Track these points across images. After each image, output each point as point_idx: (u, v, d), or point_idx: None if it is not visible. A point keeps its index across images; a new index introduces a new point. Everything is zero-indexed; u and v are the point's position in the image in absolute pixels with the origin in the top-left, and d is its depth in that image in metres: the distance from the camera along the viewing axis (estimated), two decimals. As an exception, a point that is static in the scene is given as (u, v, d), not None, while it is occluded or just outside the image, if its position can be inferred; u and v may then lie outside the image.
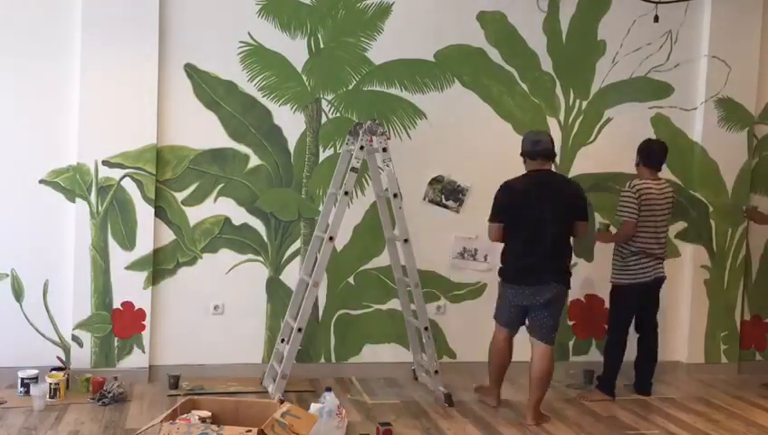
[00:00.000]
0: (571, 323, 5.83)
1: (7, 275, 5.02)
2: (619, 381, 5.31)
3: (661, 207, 5.19)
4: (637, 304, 5.27)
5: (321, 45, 5.38)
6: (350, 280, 5.51)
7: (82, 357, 5.06)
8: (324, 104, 5.40)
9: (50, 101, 5.01)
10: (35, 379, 4.73)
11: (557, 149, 5.70)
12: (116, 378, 4.85)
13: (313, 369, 5.43)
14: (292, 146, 5.37)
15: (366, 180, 5.43)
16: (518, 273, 4.72)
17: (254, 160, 5.32)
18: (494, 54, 5.61)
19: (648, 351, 5.37)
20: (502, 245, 4.86)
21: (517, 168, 5.65)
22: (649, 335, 5.37)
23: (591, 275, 5.84)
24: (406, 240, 4.95)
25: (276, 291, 5.40)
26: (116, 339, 5.11)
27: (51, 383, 4.67)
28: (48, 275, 5.06)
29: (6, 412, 4.47)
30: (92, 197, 5.03)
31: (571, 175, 5.77)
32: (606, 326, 5.44)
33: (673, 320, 5.89)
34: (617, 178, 5.80)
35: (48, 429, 4.24)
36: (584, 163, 5.80)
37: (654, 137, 5.81)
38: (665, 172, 5.87)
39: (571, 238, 4.77)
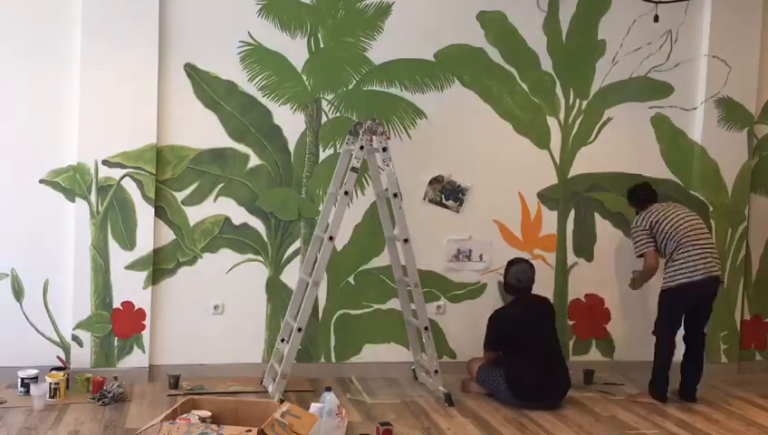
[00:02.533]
0: (571, 322, 5.83)
1: (7, 275, 5.02)
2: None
3: (687, 221, 5.15)
4: (686, 306, 5.18)
5: (321, 45, 5.38)
6: (350, 280, 5.51)
7: (82, 357, 5.06)
8: (324, 104, 5.40)
9: (50, 101, 5.01)
10: (35, 379, 4.73)
11: (557, 147, 5.74)
12: (116, 378, 4.85)
13: (313, 369, 5.43)
14: (292, 146, 5.37)
15: (366, 180, 5.43)
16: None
17: (254, 160, 5.32)
18: (494, 54, 5.61)
19: (695, 353, 5.27)
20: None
21: (516, 167, 5.68)
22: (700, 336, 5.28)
23: (591, 274, 5.84)
24: (406, 240, 4.95)
25: (276, 291, 5.40)
26: (116, 339, 5.11)
27: (51, 383, 4.67)
28: (48, 275, 5.06)
29: (6, 412, 4.46)
30: (92, 196, 5.03)
31: (570, 175, 5.78)
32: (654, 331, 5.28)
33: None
34: (617, 178, 5.80)
35: (48, 428, 4.23)
36: (584, 163, 5.80)
37: (654, 136, 5.83)
38: (666, 172, 5.90)
39: None
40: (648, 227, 5.15)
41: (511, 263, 5.24)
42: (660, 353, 5.18)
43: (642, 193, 5.36)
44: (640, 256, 5.22)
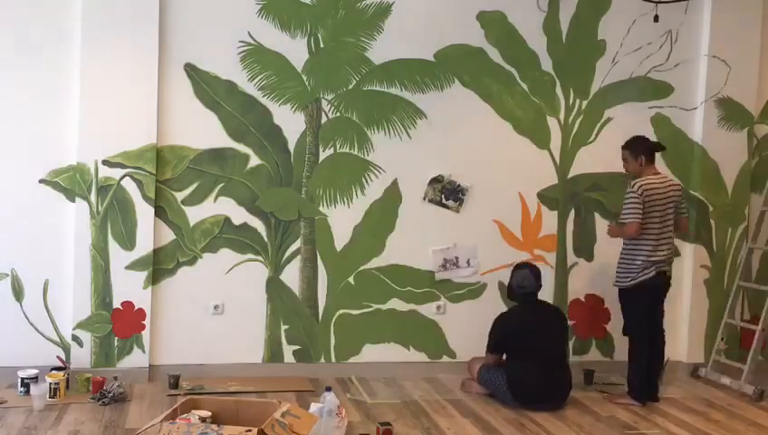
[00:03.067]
0: (571, 322, 5.83)
1: (7, 275, 5.02)
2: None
3: (665, 205, 5.05)
4: (648, 302, 5.10)
5: (322, 45, 5.38)
6: (350, 280, 5.51)
7: (82, 357, 5.06)
8: (324, 104, 5.40)
9: (50, 101, 5.01)
10: (35, 379, 4.73)
11: (557, 147, 5.74)
12: (116, 378, 4.85)
13: (313, 369, 5.43)
14: (292, 146, 5.37)
15: (367, 179, 5.43)
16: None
17: (254, 160, 5.32)
18: (494, 54, 5.61)
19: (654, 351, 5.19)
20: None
21: (516, 167, 5.68)
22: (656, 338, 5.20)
23: (591, 274, 5.84)
24: None
25: (276, 291, 5.40)
26: (116, 339, 5.11)
27: (51, 383, 4.67)
28: (48, 275, 5.06)
29: (6, 412, 4.47)
30: (92, 196, 5.03)
31: (570, 175, 5.78)
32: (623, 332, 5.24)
33: (673, 320, 5.88)
34: (617, 178, 5.80)
35: (48, 428, 4.23)
36: (584, 163, 5.80)
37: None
38: (666, 172, 5.89)
39: None
40: (640, 195, 4.95)
41: (516, 267, 5.22)
42: (640, 352, 5.10)
43: (650, 146, 5.15)
44: (622, 223, 5.06)
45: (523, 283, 5.10)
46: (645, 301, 5.11)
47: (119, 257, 5.08)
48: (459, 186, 5.61)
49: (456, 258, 5.60)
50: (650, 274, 5.04)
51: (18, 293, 5.04)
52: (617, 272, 5.17)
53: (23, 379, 4.74)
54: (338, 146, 5.40)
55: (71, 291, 5.05)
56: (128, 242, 5.09)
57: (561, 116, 5.75)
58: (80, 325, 5.06)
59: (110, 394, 4.70)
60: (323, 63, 5.38)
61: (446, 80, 5.55)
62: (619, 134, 5.77)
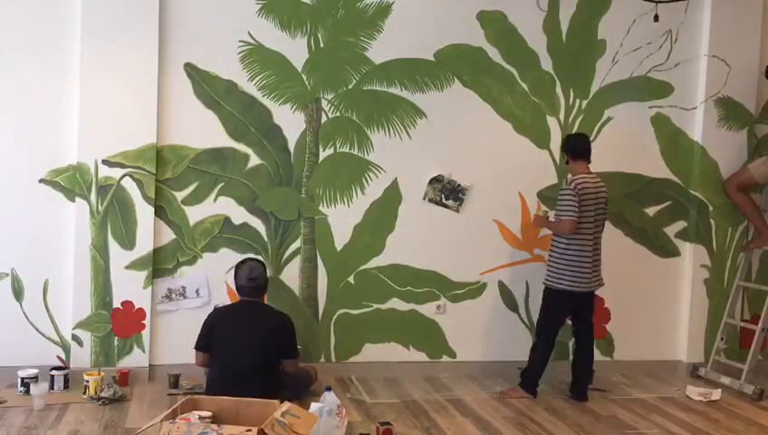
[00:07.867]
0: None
1: (7, 275, 5.02)
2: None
3: (597, 205, 5.09)
4: (569, 309, 5.23)
5: (321, 45, 5.38)
6: (350, 280, 5.51)
7: (82, 357, 5.06)
8: (324, 103, 5.40)
9: (50, 101, 5.01)
10: (35, 378, 4.73)
11: (557, 147, 5.73)
12: (114, 377, 4.86)
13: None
14: (292, 145, 5.37)
15: (367, 179, 5.43)
16: None
17: (254, 160, 5.32)
18: (494, 54, 5.61)
19: (584, 355, 5.28)
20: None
21: (516, 167, 5.68)
22: (586, 339, 5.29)
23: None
24: None
25: (276, 291, 5.39)
26: (116, 338, 5.11)
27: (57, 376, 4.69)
28: (48, 275, 5.06)
29: (6, 412, 4.47)
30: (92, 196, 5.03)
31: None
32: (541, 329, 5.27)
33: (673, 320, 5.89)
34: (617, 178, 5.80)
35: (48, 428, 4.23)
36: (584, 163, 5.79)
37: (654, 137, 5.83)
38: (666, 172, 5.91)
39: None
40: (576, 195, 4.99)
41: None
42: (542, 354, 5.20)
43: (582, 146, 5.18)
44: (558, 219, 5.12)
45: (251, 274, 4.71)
46: (568, 307, 5.20)
47: (118, 257, 5.08)
48: (459, 186, 5.61)
49: (183, 288, 5.26)
50: (581, 288, 5.08)
51: (18, 293, 5.04)
52: (547, 268, 5.19)
53: (23, 379, 4.74)
54: (338, 146, 5.40)
55: (71, 291, 5.05)
56: (128, 242, 5.09)
57: (561, 116, 5.75)
58: (80, 325, 5.06)
59: (110, 394, 4.70)
60: (323, 63, 5.37)
61: (446, 80, 5.55)
62: (619, 134, 5.79)
